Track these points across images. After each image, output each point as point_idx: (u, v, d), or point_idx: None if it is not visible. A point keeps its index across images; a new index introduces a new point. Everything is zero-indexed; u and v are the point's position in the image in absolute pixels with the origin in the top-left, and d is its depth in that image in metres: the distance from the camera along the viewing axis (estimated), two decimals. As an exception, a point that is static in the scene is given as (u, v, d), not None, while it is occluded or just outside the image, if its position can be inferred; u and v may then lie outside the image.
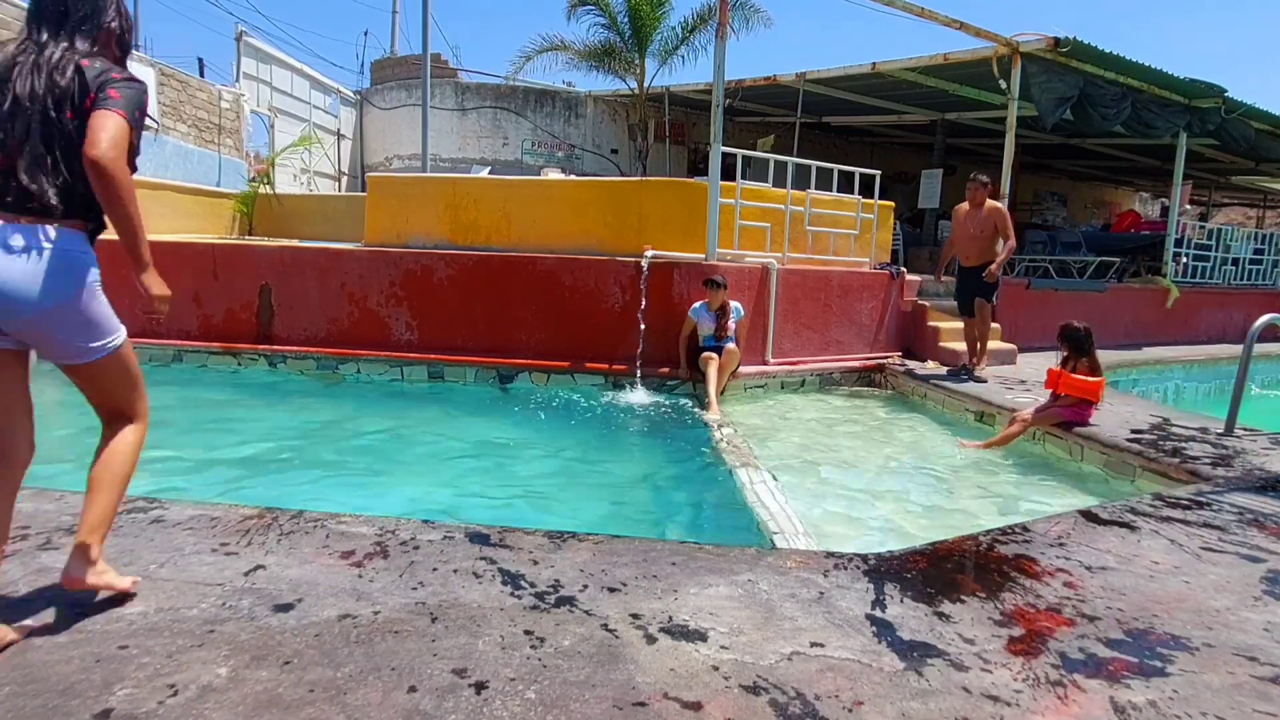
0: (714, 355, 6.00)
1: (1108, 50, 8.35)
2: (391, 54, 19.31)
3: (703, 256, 6.58)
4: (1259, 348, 4.78)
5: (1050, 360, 5.29)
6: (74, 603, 1.92)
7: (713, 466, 4.40)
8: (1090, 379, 4.73)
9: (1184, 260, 11.08)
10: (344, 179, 15.44)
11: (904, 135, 15.37)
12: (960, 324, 6.99)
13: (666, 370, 6.41)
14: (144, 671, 1.65)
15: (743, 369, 6.43)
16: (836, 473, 4.50)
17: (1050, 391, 5.00)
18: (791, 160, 7.33)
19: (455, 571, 2.22)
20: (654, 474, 4.48)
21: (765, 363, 6.87)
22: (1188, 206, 13.19)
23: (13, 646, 1.72)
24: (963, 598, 2.23)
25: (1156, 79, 9.14)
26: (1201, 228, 11.93)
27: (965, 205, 6.65)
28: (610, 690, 1.67)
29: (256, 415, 5.43)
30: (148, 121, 1.95)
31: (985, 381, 6.37)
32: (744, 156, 7.40)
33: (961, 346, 7.36)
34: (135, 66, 10.20)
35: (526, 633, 1.89)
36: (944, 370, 6.96)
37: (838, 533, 3.52)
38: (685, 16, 13.55)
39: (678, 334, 6.38)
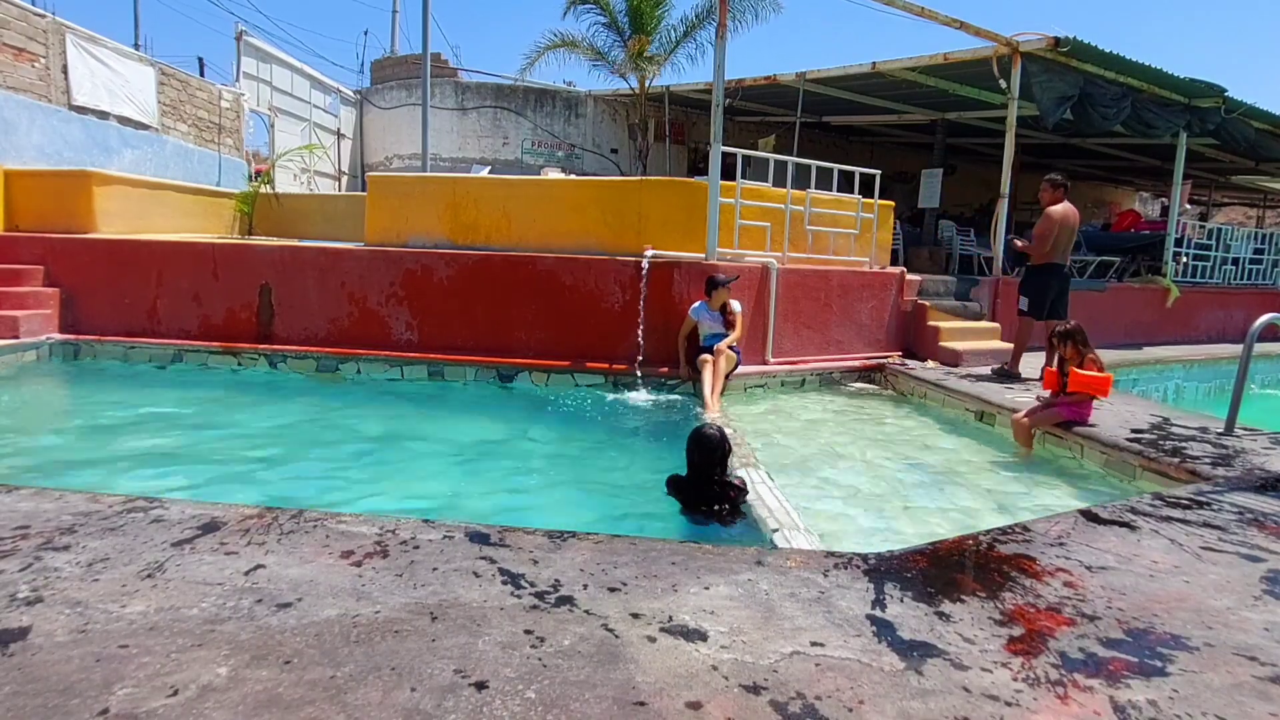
0: (710, 356, 6.00)
1: (1108, 50, 8.35)
2: (391, 53, 19.31)
3: (703, 256, 6.58)
4: (1259, 347, 4.78)
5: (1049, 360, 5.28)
6: (74, 602, 1.92)
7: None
8: (1100, 374, 4.72)
9: (1184, 260, 11.07)
10: (344, 178, 15.44)
11: (904, 135, 15.36)
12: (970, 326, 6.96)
13: (666, 370, 6.41)
14: (144, 671, 1.65)
15: (743, 368, 6.43)
16: (836, 472, 4.50)
17: (1051, 393, 5.00)
18: (791, 160, 7.33)
19: (455, 571, 2.22)
20: (655, 473, 4.47)
21: (765, 362, 6.87)
22: (1188, 206, 13.18)
23: (13, 645, 1.72)
24: (963, 597, 2.23)
25: (1156, 79, 9.13)
26: (1201, 227, 11.93)
27: (1065, 207, 6.44)
28: (610, 690, 1.67)
29: (257, 415, 5.43)
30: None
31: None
32: (744, 156, 7.40)
33: (962, 346, 7.38)
34: (136, 66, 10.23)
35: (526, 632, 1.89)
36: (947, 370, 6.95)
37: (838, 532, 3.52)
38: (685, 14, 13.58)
39: (678, 333, 6.37)
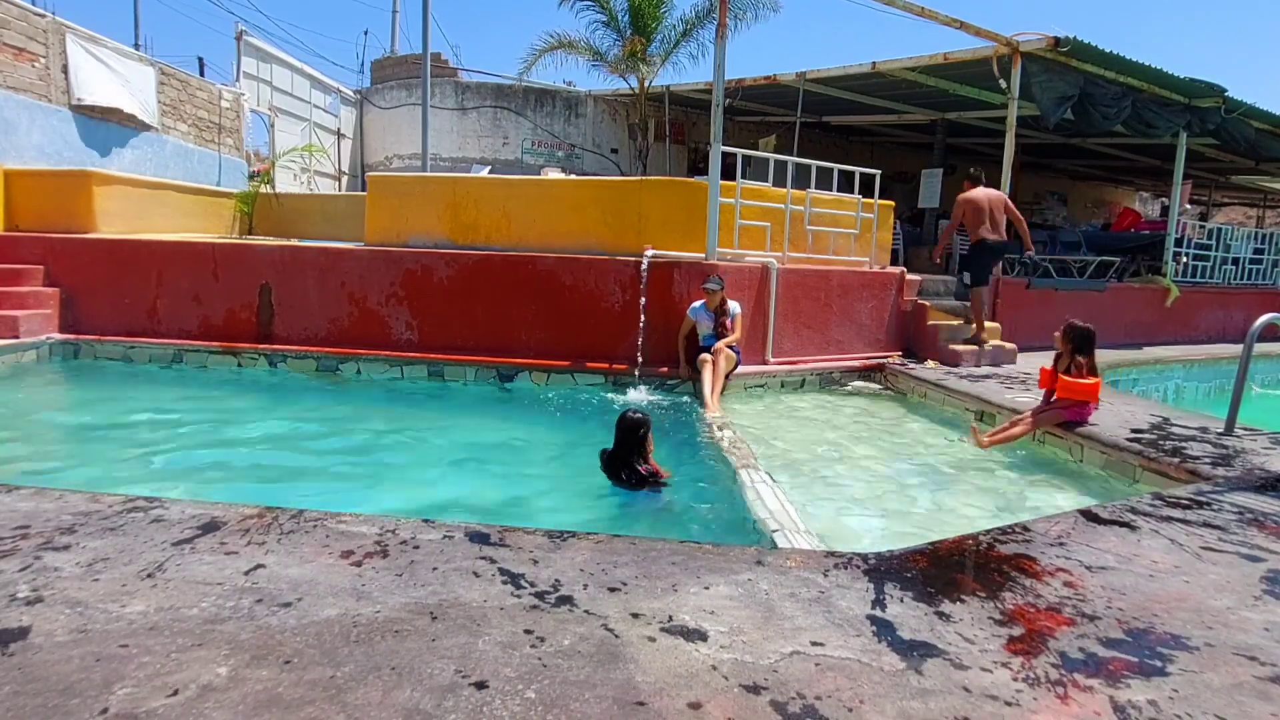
0: (710, 356, 6.00)
1: (1108, 50, 8.35)
2: (392, 53, 19.29)
3: (703, 256, 6.58)
4: (1259, 347, 4.78)
5: (1049, 360, 5.28)
6: (74, 601, 1.92)
7: (713, 466, 4.40)
8: (1087, 380, 4.74)
9: (1184, 259, 11.07)
10: (344, 178, 15.42)
11: (904, 135, 15.35)
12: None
13: (666, 370, 6.41)
14: (144, 671, 1.65)
15: (743, 368, 6.43)
16: (836, 472, 4.50)
17: (1045, 390, 5.01)
18: (791, 160, 7.33)
19: (455, 571, 2.22)
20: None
21: (765, 362, 6.87)
22: (1188, 206, 13.17)
23: (13, 645, 1.72)
24: (963, 597, 2.23)
25: (1156, 79, 9.13)
26: (1201, 227, 11.92)
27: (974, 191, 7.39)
28: (610, 690, 1.67)
29: (257, 415, 5.43)
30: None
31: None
32: (744, 156, 7.40)
33: (964, 347, 7.39)
34: (136, 66, 10.22)
35: (526, 632, 1.89)
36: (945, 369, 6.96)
37: (838, 532, 3.52)
38: (685, 14, 13.56)
39: (678, 333, 6.37)
